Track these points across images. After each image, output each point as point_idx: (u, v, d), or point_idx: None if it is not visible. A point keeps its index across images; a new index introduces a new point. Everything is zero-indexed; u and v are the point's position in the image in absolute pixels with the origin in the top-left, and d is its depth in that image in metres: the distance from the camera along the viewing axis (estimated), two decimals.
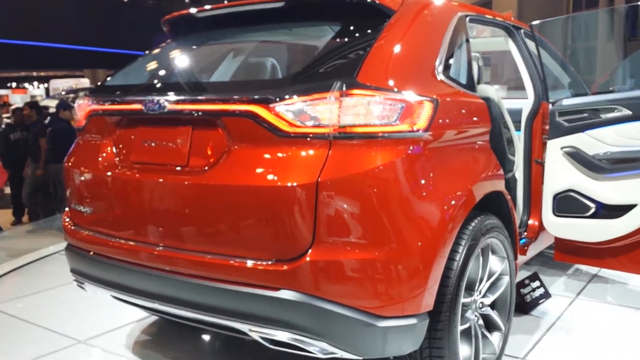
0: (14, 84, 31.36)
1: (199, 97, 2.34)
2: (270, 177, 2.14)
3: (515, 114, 3.67)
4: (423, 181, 2.23)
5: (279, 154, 2.16)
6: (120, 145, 2.63)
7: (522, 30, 3.63)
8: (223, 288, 2.19)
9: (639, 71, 3.92)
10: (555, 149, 3.31)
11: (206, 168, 2.28)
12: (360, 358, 2.19)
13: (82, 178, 2.75)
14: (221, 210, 2.22)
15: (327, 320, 2.10)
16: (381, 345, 2.16)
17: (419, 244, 2.18)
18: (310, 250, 2.08)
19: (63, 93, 12.84)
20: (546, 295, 3.81)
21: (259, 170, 2.17)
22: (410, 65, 2.38)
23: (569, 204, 3.30)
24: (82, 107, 2.83)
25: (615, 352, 3.11)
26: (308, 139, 2.12)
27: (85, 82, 19.17)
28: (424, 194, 2.22)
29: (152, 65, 3.01)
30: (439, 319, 2.31)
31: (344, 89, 2.10)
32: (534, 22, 3.41)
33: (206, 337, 3.44)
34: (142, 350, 3.27)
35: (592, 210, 3.24)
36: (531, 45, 3.57)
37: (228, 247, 2.21)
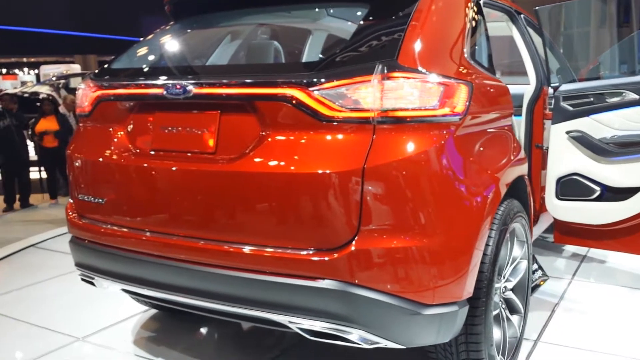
0: (4, 70, 30.07)
1: (229, 81, 2.22)
2: (312, 164, 2.05)
3: (514, 100, 3.69)
4: (464, 166, 2.20)
5: (320, 140, 2.08)
6: (135, 132, 2.49)
7: (522, 15, 3.64)
8: (263, 280, 2.11)
9: (631, 57, 3.98)
10: (559, 133, 3.34)
11: (239, 155, 2.17)
12: (404, 347, 2.16)
13: (90, 166, 2.60)
14: (258, 200, 2.12)
15: (373, 310, 2.05)
16: (425, 334, 2.13)
17: (463, 229, 2.15)
18: (355, 239, 2.02)
19: (54, 79, 12.32)
20: (545, 276, 3.87)
21: (299, 157, 2.09)
22: (444, 47, 2.33)
23: (573, 188, 3.34)
24: (87, 92, 2.66)
25: (622, 329, 3.18)
26: (351, 123, 2.05)
27: (76, 68, 18.52)
28: (465, 178, 2.19)
29: (163, 48, 2.85)
30: (476, 305, 2.29)
31: (386, 71, 2.04)
32: (538, 8, 3.42)
33: (209, 330, 3.34)
34: (149, 345, 3.15)
35: (597, 193, 3.29)
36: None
37: (267, 237, 2.12)
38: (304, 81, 2.08)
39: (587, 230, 3.44)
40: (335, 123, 2.06)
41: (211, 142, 2.25)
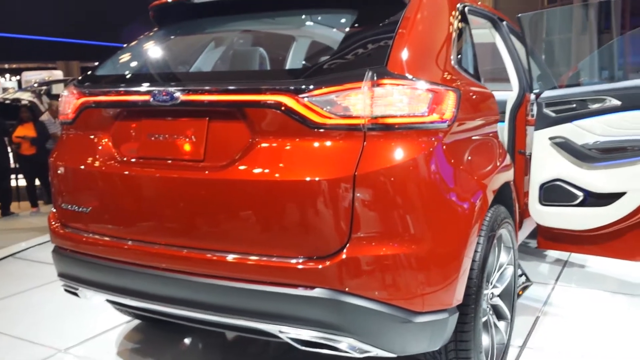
0: None
1: (218, 88, 2.20)
2: (303, 171, 2.04)
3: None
4: (454, 172, 2.20)
5: (311, 147, 2.07)
6: (120, 139, 2.45)
7: (504, 22, 3.68)
8: (252, 289, 2.08)
9: (611, 63, 4.05)
10: (542, 139, 3.37)
11: (228, 162, 2.15)
12: (395, 355, 2.15)
13: (74, 175, 2.55)
14: (248, 208, 2.10)
15: (364, 318, 2.03)
16: (417, 342, 2.12)
17: (453, 236, 2.15)
18: (347, 247, 2.00)
19: (35, 85, 12.13)
20: (528, 282, 3.90)
21: (289, 165, 2.07)
22: (432, 54, 2.34)
23: (556, 193, 3.38)
24: (71, 99, 2.61)
25: (606, 334, 3.21)
26: (341, 130, 2.04)
27: (58, 74, 18.31)
28: (455, 185, 2.19)
29: (148, 54, 2.81)
30: (466, 312, 2.29)
31: (376, 78, 2.04)
32: (522, 15, 3.46)
33: (194, 340, 3.30)
34: (133, 356, 3.10)
35: (580, 199, 3.32)
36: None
37: (256, 246, 2.10)
38: (294, 88, 2.06)
39: (570, 235, 3.47)
40: (325, 130, 2.05)
41: (199, 150, 2.22)
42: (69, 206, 2.55)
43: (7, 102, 10.11)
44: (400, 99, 2.06)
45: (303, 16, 2.74)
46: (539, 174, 3.40)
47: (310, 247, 2.04)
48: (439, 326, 2.14)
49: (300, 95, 2.05)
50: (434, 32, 2.43)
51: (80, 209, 2.50)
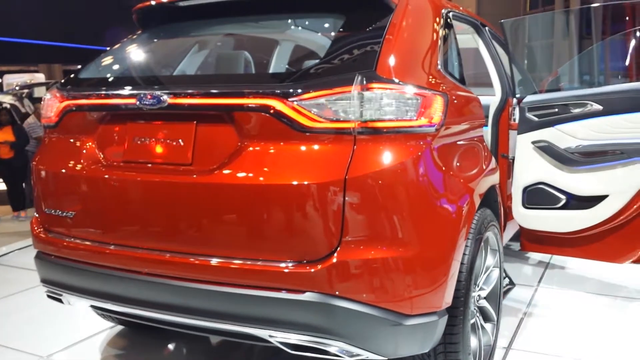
0: None
1: (206, 91, 2.19)
2: (293, 175, 2.03)
3: None
4: (443, 176, 2.21)
5: (300, 151, 2.06)
6: (105, 143, 2.42)
7: (487, 28, 3.72)
8: (242, 293, 2.07)
9: (591, 68, 4.12)
10: (525, 143, 3.41)
11: (217, 166, 2.14)
12: (385, 358, 2.15)
13: (58, 179, 2.51)
14: (237, 212, 2.09)
15: (355, 322, 2.03)
16: (407, 344, 2.13)
17: (442, 239, 2.16)
18: (337, 250, 2.00)
19: (17, 88, 11.92)
20: (511, 284, 3.94)
21: (279, 168, 2.06)
22: (419, 59, 2.35)
23: (539, 196, 3.42)
24: (54, 102, 2.58)
25: (590, 335, 3.26)
26: (330, 134, 2.05)
27: (40, 77, 17.98)
28: (444, 188, 2.20)
29: (133, 57, 2.79)
30: (454, 314, 2.30)
31: (365, 82, 2.04)
32: (504, 20, 3.50)
33: (179, 345, 3.26)
34: None
35: (563, 202, 3.37)
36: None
37: (245, 250, 2.09)
38: (283, 92, 2.06)
39: (553, 238, 3.51)
40: (314, 134, 2.05)
41: (187, 154, 2.21)
42: (53, 211, 2.51)
43: None
44: (390, 103, 2.07)
45: (290, 20, 2.74)
46: (522, 178, 3.44)
47: (301, 251, 2.03)
48: (429, 329, 2.15)
49: (290, 99, 2.05)
50: (420, 37, 2.44)
51: (64, 213, 2.46)
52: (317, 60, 2.23)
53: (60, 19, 17.64)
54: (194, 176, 2.17)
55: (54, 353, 3.16)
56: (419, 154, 2.12)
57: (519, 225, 3.56)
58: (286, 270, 2.03)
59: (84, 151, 2.46)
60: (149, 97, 2.23)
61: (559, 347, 3.10)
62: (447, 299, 2.21)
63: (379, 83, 2.06)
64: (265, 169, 2.08)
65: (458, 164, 2.38)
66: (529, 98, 3.44)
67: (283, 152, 2.09)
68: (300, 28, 2.84)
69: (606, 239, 3.35)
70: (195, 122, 2.22)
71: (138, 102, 2.25)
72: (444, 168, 2.24)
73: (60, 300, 2.62)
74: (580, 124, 3.25)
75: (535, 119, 3.38)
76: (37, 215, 2.65)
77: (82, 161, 2.44)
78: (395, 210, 2.04)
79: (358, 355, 2.10)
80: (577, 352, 3.05)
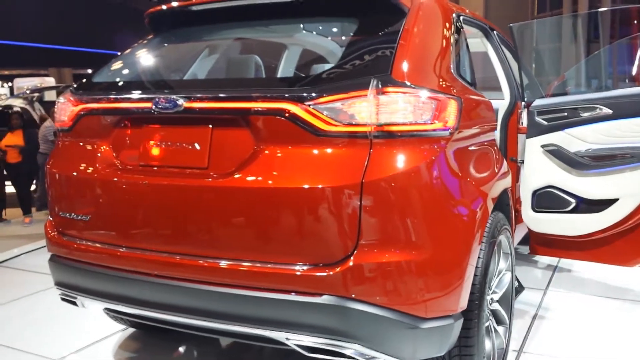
0: None
1: (222, 95, 2.20)
2: (309, 178, 2.05)
3: None
4: (458, 180, 2.23)
5: (316, 155, 2.08)
6: (120, 147, 2.44)
7: (495, 32, 3.74)
8: (259, 296, 2.08)
9: (598, 72, 4.13)
10: (534, 147, 3.42)
11: (233, 170, 2.15)
12: None
13: (73, 183, 2.52)
14: (254, 215, 2.10)
15: (372, 325, 2.04)
16: (423, 347, 2.14)
17: (458, 242, 2.17)
18: (354, 254, 2.01)
19: (27, 92, 11.98)
20: (520, 288, 3.94)
21: (295, 172, 2.08)
22: (433, 63, 2.36)
23: (548, 200, 3.43)
24: (68, 106, 2.59)
25: (600, 337, 3.26)
26: (347, 138, 2.06)
27: (50, 81, 18.18)
28: (460, 192, 2.22)
29: (146, 61, 2.80)
30: (470, 318, 2.31)
31: (381, 86, 2.05)
32: (513, 24, 3.51)
33: (191, 348, 3.27)
34: None
35: (572, 205, 3.38)
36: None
37: (262, 253, 2.10)
38: (299, 95, 2.07)
39: (562, 241, 3.52)
40: (330, 137, 2.07)
41: (203, 157, 2.22)
42: (68, 214, 2.52)
43: None
44: (405, 106, 2.08)
45: (303, 25, 2.75)
46: (531, 181, 3.45)
47: (318, 254, 2.04)
48: (445, 332, 2.15)
49: (306, 103, 2.06)
50: (433, 41, 2.46)
51: (80, 216, 2.47)
52: (332, 65, 2.25)
53: (71, 23, 17.71)
54: (210, 180, 2.18)
55: (66, 356, 3.16)
56: (435, 157, 2.13)
57: (528, 229, 3.57)
58: (303, 274, 2.04)
59: (99, 155, 2.47)
60: (164, 101, 2.24)
61: (569, 350, 3.11)
62: (463, 302, 2.22)
63: (394, 87, 2.08)
64: (281, 172, 2.09)
65: (472, 167, 2.39)
66: (538, 102, 3.45)
67: (299, 155, 2.10)
68: (313, 32, 2.85)
69: (616, 243, 3.36)
70: (210, 126, 2.23)
71: (154, 107, 2.27)
72: (459, 172, 2.25)
73: (74, 303, 2.63)
74: (590, 127, 3.27)
75: (545, 122, 3.40)
76: (51, 218, 2.66)
77: (97, 165, 2.45)
78: (412, 213, 2.05)
79: (374, 358, 2.11)
80: (587, 355, 3.05)
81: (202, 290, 2.14)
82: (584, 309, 3.72)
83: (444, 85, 2.31)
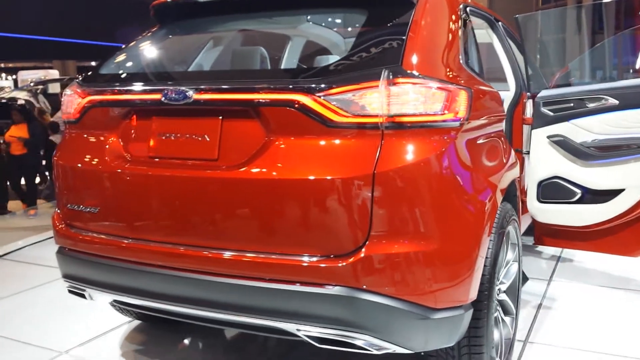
0: None
1: (233, 86, 2.19)
2: (320, 170, 2.04)
3: None
4: (469, 170, 2.23)
5: (327, 146, 2.07)
6: (129, 139, 2.43)
7: (500, 23, 3.73)
8: (271, 288, 2.08)
9: (603, 63, 4.12)
10: (540, 137, 3.42)
11: (244, 162, 2.14)
12: (412, 352, 2.16)
13: (82, 175, 2.52)
14: (265, 207, 2.10)
15: (383, 316, 2.04)
16: (434, 338, 2.14)
17: (469, 233, 2.18)
18: (366, 245, 2.01)
19: (32, 85, 11.96)
20: (525, 278, 3.95)
21: (306, 163, 2.07)
22: (443, 54, 2.35)
23: (554, 191, 3.43)
24: (75, 98, 2.58)
25: (604, 327, 3.28)
26: (359, 129, 2.05)
27: (54, 74, 18.15)
28: (470, 182, 2.22)
29: (153, 52, 2.79)
30: (479, 308, 2.31)
31: (392, 77, 2.05)
32: (519, 15, 3.51)
33: (197, 341, 3.28)
34: (138, 357, 3.06)
35: (578, 196, 3.38)
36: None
37: (274, 245, 2.10)
38: (310, 87, 2.07)
39: (567, 232, 3.53)
40: (342, 128, 2.06)
41: (213, 149, 2.21)
42: (76, 206, 2.51)
43: (3, 101, 9.98)
44: (417, 97, 2.08)
45: (311, 16, 2.74)
46: (537, 172, 3.45)
47: (330, 245, 2.04)
48: (455, 322, 2.16)
49: (317, 94, 2.06)
50: (442, 32, 2.45)
51: (89, 209, 2.47)
52: (342, 56, 2.24)
53: (75, 16, 17.63)
54: (220, 171, 2.18)
55: (72, 348, 3.17)
56: (446, 148, 2.12)
57: (533, 219, 3.57)
58: (315, 265, 2.04)
59: (107, 147, 2.46)
60: (174, 92, 2.23)
61: (574, 340, 3.13)
62: (473, 292, 2.22)
63: (405, 78, 2.07)
64: (292, 164, 2.09)
65: (482, 158, 2.39)
66: (544, 93, 3.45)
67: (310, 147, 2.09)
68: (321, 24, 2.84)
69: (621, 233, 3.36)
70: (220, 117, 2.22)
71: (163, 98, 2.26)
72: (469, 162, 2.25)
73: (82, 296, 2.62)
74: (596, 118, 3.26)
75: (551, 113, 3.39)
76: (58, 210, 2.66)
77: (106, 157, 2.44)
78: (424, 204, 2.05)
79: (385, 348, 2.12)
80: (592, 344, 3.07)
81: (215, 282, 2.14)
82: (587, 299, 3.74)
83: (453, 76, 2.30)
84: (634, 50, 3.96)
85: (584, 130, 3.29)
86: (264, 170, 2.10)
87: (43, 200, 8.22)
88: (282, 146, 2.12)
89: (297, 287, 2.06)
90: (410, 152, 2.05)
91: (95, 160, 2.47)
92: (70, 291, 2.67)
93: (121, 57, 2.78)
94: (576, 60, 4.41)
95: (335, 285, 2.03)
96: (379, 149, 2.03)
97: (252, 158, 2.14)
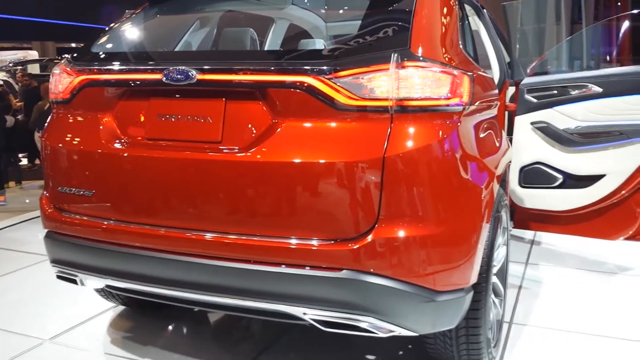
0: None
1: (239, 67, 2.15)
2: (329, 152, 2.03)
3: None
4: (473, 154, 2.25)
5: (335, 129, 2.06)
6: (125, 120, 2.36)
7: (485, 10, 3.77)
8: (278, 272, 2.06)
9: (581, 52, 4.22)
10: (523, 124, 3.49)
11: (249, 144, 2.11)
12: (417, 334, 2.19)
13: (74, 157, 2.44)
14: (271, 190, 2.07)
15: (389, 299, 2.06)
16: (439, 320, 2.17)
17: (473, 216, 2.21)
18: (374, 228, 2.02)
19: (10, 65, 11.52)
20: None
21: (315, 146, 2.06)
22: (445, 37, 2.36)
23: (536, 176, 3.52)
24: (65, 77, 2.49)
25: (583, 308, 3.40)
26: (368, 112, 2.05)
27: (33, 55, 17.83)
28: (475, 166, 2.24)
29: (149, 31, 2.70)
30: (478, 290, 2.35)
31: (402, 60, 2.05)
32: (506, 3, 3.55)
33: (186, 326, 3.24)
34: (126, 344, 3.01)
35: (560, 181, 3.47)
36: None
37: (280, 228, 2.08)
38: (320, 69, 2.05)
39: (548, 216, 3.62)
40: (350, 112, 2.05)
41: (216, 131, 2.17)
42: (68, 189, 2.43)
43: None
44: (425, 81, 2.08)
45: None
46: (519, 158, 3.52)
47: (337, 229, 2.04)
48: (458, 305, 2.19)
49: (326, 76, 2.04)
50: (444, 17, 2.45)
51: (82, 192, 2.39)
52: (349, 38, 2.22)
53: None
54: (225, 154, 2.14)
55: (56, 335, 3.09)
56: (453, 132, 2.14)
57: (513, 204, 3.65)
58: (323, 248, 2.04)
59: (101, 128, 2.39)
60: (176, 72, 2.18)
61: (557, 321, 3.23)
62: (474, 275, 2.26)
63: (414, 61, 2.07)
64: (300, 147, 2.07)
65: (483, 142, 2.42)
66: (528, 80, 3.51)
67: (318, 130, 2.08)
68: (327, 6, 2.81)
69: (601, 217, 3.47)
70: (224, 98, 2.18)
71: (164, 78, 2.20)
72: (473, 146, 2.27)
73: (73, 281, 2.56)
74: (580, 105, 3.35)
75: (534, 100, 3.46)
76: (47, 193, 2.57)
77: (100, 138, 2.37)
78: (433, 188, 2.06)
79: (392, 331, 2.14)
80: (574, 325, 3.17)
81: (222, 267, 2.12)
82: (564, 281, 3.86)
83: (457, 61, 2.32)
84: (608, 41, 4.06)
85: (567, 117, 3.37)
86: (270, 152, 2.08)
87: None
88: (289, 129, 2.10)
89: (305, 271, 2.05)
90: (419, 135, 2.05)
91: (89, 141, 2.40)
92: (59, 277, 2.60)
93: (113, 36, 2.69)
94: (553, 50, 4.50)
95: (344, 269, 2.03)
96: (388, 132, 2.03)
97: (258, 140, 2.11)
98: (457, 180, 2.15)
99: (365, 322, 2.10)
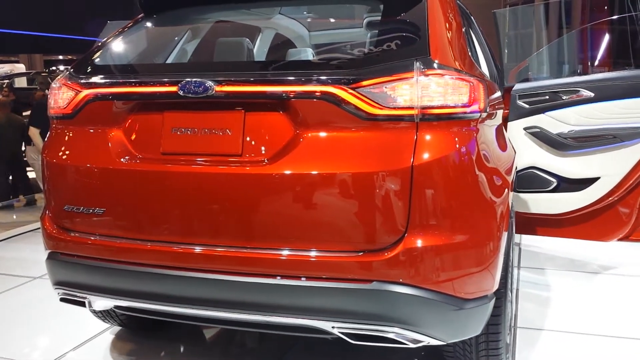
0: None
1: (259, 78, 2.11)
2: (356, 164, 2.00)
3: None
4: (494, 161, 2.26)
5: (361, 139, 2.04)
6: (137, 135, 2.28)
7: (472, 17, 3.82)
8: (307, 286, 2.02)
9: (571, 57, 4.32)
10: (517, 129, 3.55)
11: (272, 157, 2.07)
12: (445, 342, 2.18)
13: (81, 174, 2.34)
14: (298, 203, 2.03)
15: (421, 309, 2.04)
16: (466, 328, 2.16)
17: (497, 223, 2.21)
18: (404, 238, 2.00)
19: None
20: None
21: (340, 157, 2.02)
22: (458, 46, 2.37)
23: (530, 180, 3.57)
24: (67, 91, 2.39)
25: (577, 309, 3.47)
26: (393, 121, 2.03)
27: (21, 68, 17.59)
28: (497, 173, 2.26)
29: (151, 43, 2.63)
30: (499, 296, 2.36)
31: (424, 68, 2.05)
32: (496, 10, 3.61)
33: (187, 343, 3.15)
34: None
35: (554, 185, 3.53)
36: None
37: (309, 242, 2.04)
38: (343, 78, 2.02)
39: (541, 219, 3.68)
40: (376, 121, 2.03)
41: (236, 144, 2.12)
42: (76, 208, 2.33)
43: None
44: (446, 89, 2.08)
45: (332, 6, 2.68)
46: None
47: (366, 240, 2.01)
48: (484, 311, 2.19)
49: (350, 86, 2.02)
50: (454, 25, 2.47)
51: (92, 210, 2.29)
52: (369, 48, 2.21)
53: (42, 9, 16.51)
54: (246, 167, 2.09)
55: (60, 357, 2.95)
56: (472, 139, 2.14)
57: None
58: (353, 260, 2.01)
59: (110, 143, 2.30)
60: (193, 85, 2.11)
61: (555, 322, 3.29)
62: (497, 281, 2.27)
63: (436, 70, 2.07)
64: (325, 158, 2.04)
65: (499, 147, 2.44)
66: (519, 86, 3.57)
67: (343, 140, 2.05)
68: (340, 16, 2.80)
69: (594, 220, 3.55)
70: (242, 110, 2.13)
71: (180, 91, 2.13)
72: (491, 153, 2.28)
73: (77, 303, 2.45)
74: (572, 110, 3.42)
75: (526, 106, 3.52)
76: (49, 213, 2.46)
77: (109, 154, 2.28)
78: (459, 195, 2.06)
79: (421, 341, 2.12)
80: (573, 326, 3.23)
81: (248, 283, 2.06)
82: (556, 283, 3.94)
83: (470, 69, 2.33)
84: (594, 46, 4.18)
85: (560, 121, 3.44)
86: (297, 164, 2.04)
87: None
88: (313, 140, 2.06)
89: (335, 284, 2.02)
90: (445, 143, 2.05)
91: (97, 157, 2.30)
92: (63, 299, 2.49)
93: (114, 48, 2.60)
94: (534, 55, 4.60)
95: (374, 280, 2.01)
96: (414, 140, 2.01)
97: (282, 152, 2.07)
98: (481, 186, 2.15)
99: (394, 332, 2.07)
